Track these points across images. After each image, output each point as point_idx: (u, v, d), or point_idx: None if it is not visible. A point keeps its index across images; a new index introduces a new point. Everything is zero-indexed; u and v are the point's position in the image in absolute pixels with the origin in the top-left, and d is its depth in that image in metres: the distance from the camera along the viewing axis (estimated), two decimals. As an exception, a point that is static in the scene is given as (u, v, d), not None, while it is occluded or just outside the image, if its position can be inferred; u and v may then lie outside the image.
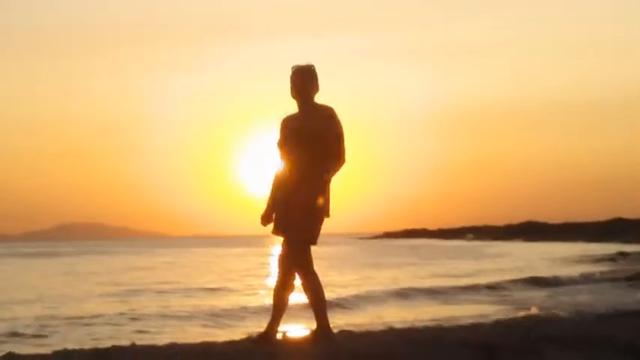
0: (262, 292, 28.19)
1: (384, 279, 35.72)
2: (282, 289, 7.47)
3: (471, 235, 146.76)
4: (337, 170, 7.43)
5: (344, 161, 7.45)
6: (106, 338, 16.60)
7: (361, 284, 31.86)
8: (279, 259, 7.47)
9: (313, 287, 7.43)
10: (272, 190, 7.57)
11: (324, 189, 7.37)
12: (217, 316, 21.23)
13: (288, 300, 7.53)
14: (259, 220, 7.55)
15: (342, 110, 7.49)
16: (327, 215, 7.45)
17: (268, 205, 7.53)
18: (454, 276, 37.55)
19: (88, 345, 12.65)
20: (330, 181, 7.41)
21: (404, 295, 27.28)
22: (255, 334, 7.86)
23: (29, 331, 18.02)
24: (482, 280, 33.36)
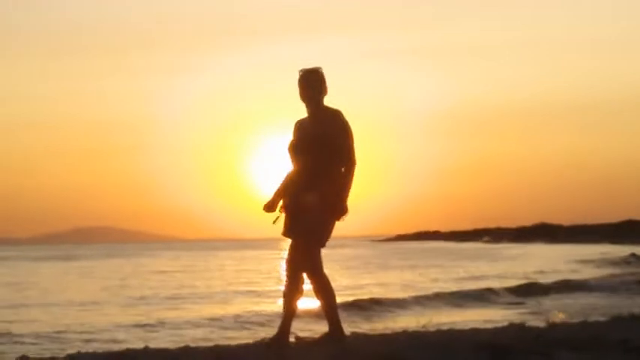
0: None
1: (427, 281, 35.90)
2: (292, 292, 7.48)
3: (487, 238, 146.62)
4: (352, 175, 7.45)
5: (354, 163, 7.47)
6: (134, 341, 16.60)
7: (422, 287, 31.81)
8: (287, 263, 7.50)
9: (324, 290, 7.45)
10: (281, 187, 7.58)
11: (334, 191, 7.39)
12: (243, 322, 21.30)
13: (298, 303, 7.54)
14: (262, 208, 7.56)
15: (350, 111, 7.54)
16: (346, 212, 7.43)
17: (275, 195, 7.55)
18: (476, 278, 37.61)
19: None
20: (350, 186, 7.43)
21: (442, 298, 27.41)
22: (268, 338, 7.87)
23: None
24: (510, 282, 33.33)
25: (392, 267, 51.11)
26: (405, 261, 60.35)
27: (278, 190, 7.60)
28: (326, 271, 7.48)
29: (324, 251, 7.45)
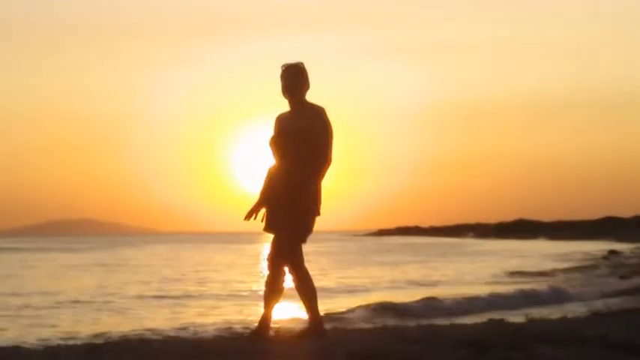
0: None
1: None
2: (273, 286, 7.49)
3: (471, 234, 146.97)
4: (324, 172, 7.46)
5: (330, 161, 7.48)
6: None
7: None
8: (269, 258, 7.50)
9: (305, 284, 7.47)
10: (263, 187, 7.60)
11: (313, 187, 7.40)
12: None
13: (279, 297, 7.55)
14: (245, 214, 7.56)
15: (333, 107, 7.54)
16: (318, 214, 7.49)
17: (257, 201, 7.56)
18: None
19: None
20: (320, 182, 7.45)
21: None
22: (247, 331, 7.88)
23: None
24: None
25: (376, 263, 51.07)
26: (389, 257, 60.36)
27: (261, 194, 7.58)
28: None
29: (314, 246, 7.47)
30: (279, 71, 7.56)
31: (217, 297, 26.36)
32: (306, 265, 7.48)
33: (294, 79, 7.53)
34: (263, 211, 7.55)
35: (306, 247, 7.43)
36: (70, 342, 12.07)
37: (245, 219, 7.56)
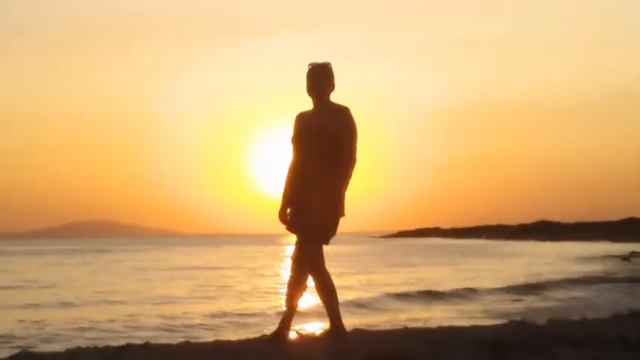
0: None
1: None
2: (295, 288, 7.48)
3: (487, 235, 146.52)
4: (351, 173, 7.46)
5: (355, 162, 7.47)
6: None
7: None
8: (293, 259, 7.50)
9: (326, 286, 7.46)
10: (285, 188, 7.60)
11: (338, 188, 7.39)
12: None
13: (300, 299, 7.55)
14: (278, 218, 7.58)
15: (351, 106, 7.52)
16: (343, 214, 7.48)
17: (283, 203, 7.57)
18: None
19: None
20: (347, 184, 7.44)
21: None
22: (268, 334, 7.88)
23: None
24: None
25: (398, 264, 51.00)
26: (425, 258, 60.18)
27: (284, 195, 7.59)
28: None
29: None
30: (306, 70, 7.57)
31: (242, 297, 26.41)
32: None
33: (320, 78, 7.51)
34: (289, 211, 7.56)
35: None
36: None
37: (280, 221, 7.58)
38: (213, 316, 21.48)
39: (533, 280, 33.98)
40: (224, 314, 21.78)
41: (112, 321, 20.22)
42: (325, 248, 7.46)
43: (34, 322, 20.02)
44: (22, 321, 20.14)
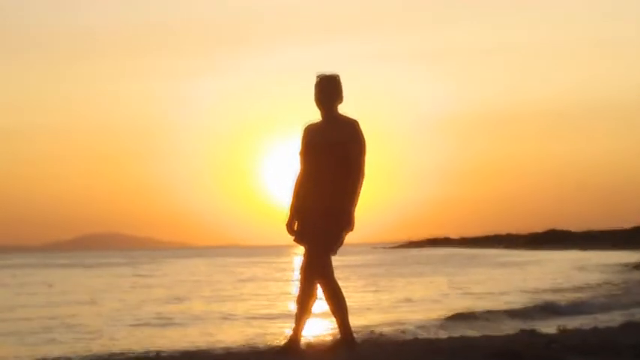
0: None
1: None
2: (305, 298, 7.48)
3: (499, 244, 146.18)
4: (360, 187, 7.44)
5: (363, 176, 7.46)
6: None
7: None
8: (301, 269, 7.49)
9: (335, 296, 7.45)
10: (292, 199, 7.60)
11: (345, 200, 7.38)
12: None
13: (310, 309, 7.54)
14: (285, 229, 7.58)
15: (360, 116, 7.50)
16: (351, 229, 7.46)
17: (291, 214, 7.57)
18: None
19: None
20: (357, 199, 7.42)
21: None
22: (278, 344, 7.87)
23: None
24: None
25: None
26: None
27: (291, 207, 7.59)
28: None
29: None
30: (314, 80, 7.56)
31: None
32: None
33: (328, 90, 7.51)
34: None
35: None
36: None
37: (288, 233, 7.57)
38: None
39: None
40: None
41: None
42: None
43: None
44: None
